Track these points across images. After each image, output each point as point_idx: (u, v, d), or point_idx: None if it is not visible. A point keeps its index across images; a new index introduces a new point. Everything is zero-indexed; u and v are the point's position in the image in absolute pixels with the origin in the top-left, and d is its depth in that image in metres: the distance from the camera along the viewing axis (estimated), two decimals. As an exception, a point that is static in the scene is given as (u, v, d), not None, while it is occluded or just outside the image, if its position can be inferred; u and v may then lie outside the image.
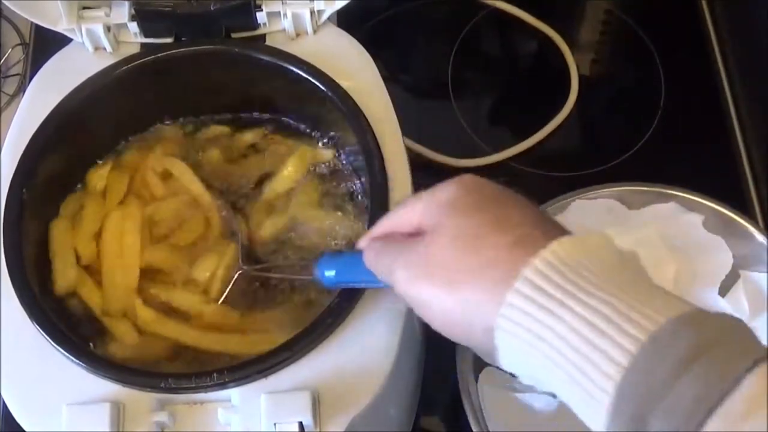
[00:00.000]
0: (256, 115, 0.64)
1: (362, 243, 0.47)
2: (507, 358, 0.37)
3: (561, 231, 0.38)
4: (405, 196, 0.54)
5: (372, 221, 0.53)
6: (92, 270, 0.57)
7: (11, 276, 0.52)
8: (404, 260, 0.41)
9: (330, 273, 0.48)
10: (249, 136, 0.63)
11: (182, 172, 0.60)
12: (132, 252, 0.56)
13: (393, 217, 0.45)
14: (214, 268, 0.57)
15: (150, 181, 0.60)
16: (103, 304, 0.55)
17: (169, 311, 0.56)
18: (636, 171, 0.79)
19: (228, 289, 0.56)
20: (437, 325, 0.40)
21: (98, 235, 0.58)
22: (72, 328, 0.54)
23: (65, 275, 0.55)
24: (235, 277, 0.56)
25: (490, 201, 0.41)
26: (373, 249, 0.45)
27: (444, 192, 0.42)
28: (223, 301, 0.56)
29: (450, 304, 0.38)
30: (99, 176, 0.60)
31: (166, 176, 0.61)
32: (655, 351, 0.32)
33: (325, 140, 0.62)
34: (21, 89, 0.84)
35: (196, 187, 0.60)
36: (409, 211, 0.43)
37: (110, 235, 0.57)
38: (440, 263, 0.39)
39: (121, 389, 0.48)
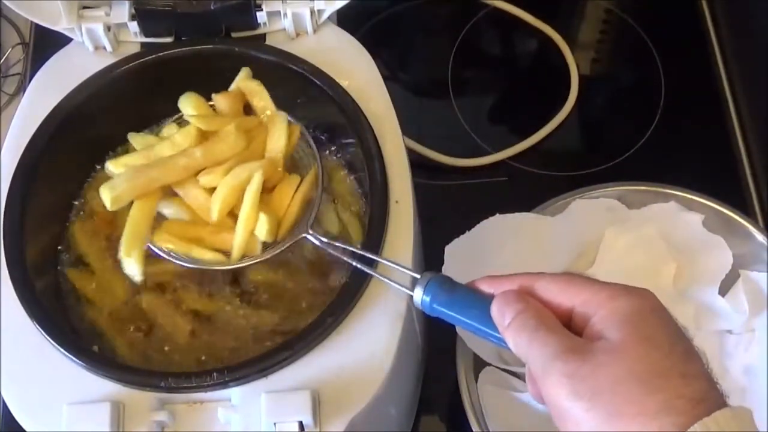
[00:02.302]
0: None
1: (486, 284, 0.44)
2: None
3: (715, 385, 0.37)
4: (405, 196, 0.54)
5: (372, 221, 0.53)
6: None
7: (11, 276, 0.52)
8: (568, 368, 0.37)
9: (439, 305, 0.44)
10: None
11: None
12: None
13: (541, 281, 0.42)
14: (279, 217, 0.53)
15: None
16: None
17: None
18: (636, 171, 0.79)
19: (284, 247, 0.52)
20: None
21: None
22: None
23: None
24: (297, 238, 0.52)
25: (670, 331, 0.38)
26: (513, 311, 0.41)
27: (624, 302, 0.39)
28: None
29: (604, 428, 0.36)
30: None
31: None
32: None
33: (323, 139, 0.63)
34: (21, 89, 0.84)
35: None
36: (566, 292, 0.41)
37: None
38: (611, 390, 0.36)
39: (121, 389, 0.48)
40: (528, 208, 0.63)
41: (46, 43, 0.74)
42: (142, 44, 0.61)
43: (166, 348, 0.55)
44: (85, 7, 0.61)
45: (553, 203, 0.64)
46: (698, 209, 0.64)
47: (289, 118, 0.56)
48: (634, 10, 0.90)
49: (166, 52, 0.60)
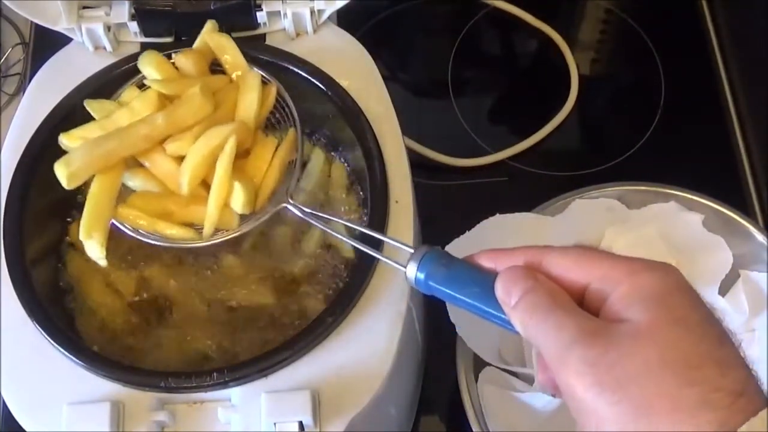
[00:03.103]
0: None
1: (487, 259, 0.40)
2: None
3: (752, 372, 0.33)
4: (405, 196, 0.54)
5: (372, 221, 0.53)
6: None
7: (11, 276, 0.51)
8: (590, 355, 0.33)
9: (434, 283, 0.40)
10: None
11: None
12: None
13: (550, 255, 0.38)
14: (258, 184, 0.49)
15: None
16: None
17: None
18: (636, 171, 0.79)
19: (262, 219, 0.48)
20: None
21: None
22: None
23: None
24: (277, 208, 0.48)
25: (701, 312, 0.34)
26: (520, 289, 0.37)
27: (647, 278, 0.35)
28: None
29: (631, 428, 0.32)
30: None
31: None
32: None
33: (323, 140, 0.63)
34: (21, 89, 0.84)
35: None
36: (579, 267, 0.37)
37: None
38: (640, 381, 0.32)
39: (121, 389, 0.48)
40: (528, 208, 0.63)
41: (46, 43, 0.74)
42: (142, 44, 0.61)
43: (188, 337, 0.55)
44: (85, 7, 0.61)
45: (553, 203, 0.64)
46: (698, 209, 0.64)
47: (264, 75, 0.52)
48: (634, 10, 0.90)
49: (166, 52, 0.60)
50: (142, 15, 0.60)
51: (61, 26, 0.60)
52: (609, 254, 0.37)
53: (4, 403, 0.51)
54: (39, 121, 0.57)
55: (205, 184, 0.48)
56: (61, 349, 0.49)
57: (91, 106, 0.51)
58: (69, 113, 0.57)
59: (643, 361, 0.32)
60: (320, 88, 0.57)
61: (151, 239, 0.48)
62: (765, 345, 0.60)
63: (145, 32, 0.61)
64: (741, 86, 0.84)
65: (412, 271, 0.41)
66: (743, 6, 0.85)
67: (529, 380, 0.59)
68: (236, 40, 0.61)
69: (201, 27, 0.60)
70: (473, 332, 0.57)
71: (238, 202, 0.47)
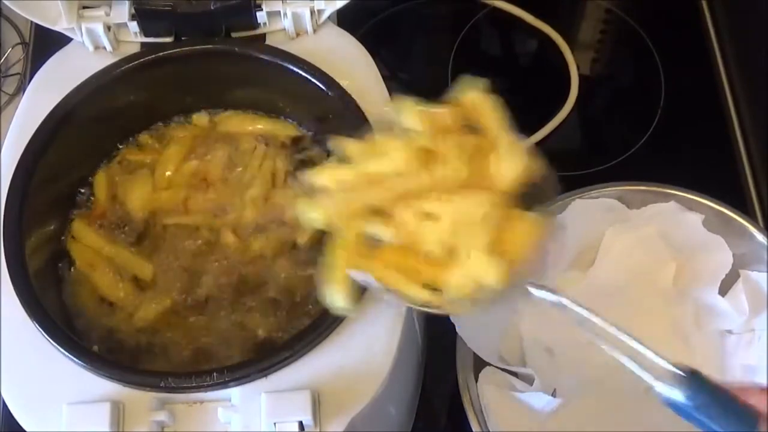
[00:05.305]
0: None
1: (757, 398, 0.39)
2: None
3: None
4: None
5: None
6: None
7: (11, 276, 0.51)
8: None
9: (696, 412, 0.40)
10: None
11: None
12: None
13: None
14: None
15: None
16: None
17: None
18: (636, 171, 0.79)
19: (510, 295, 0.46)
20: None
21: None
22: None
23: None
24: (520, 286, 0.46)
25: None
26: None
27: None
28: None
29: None
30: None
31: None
32: None
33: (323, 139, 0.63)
34: (21, 89, 0.84)
35: None
36: None
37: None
38: None
39: (121, 389, 0.48)
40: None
41: (46, 43, 0.74)
42: (142, 44, 0.61)
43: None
44: (85, 7, 0.61)
45: (553, 203, 0.64)
46: (698, 209, 0.64)
47: (524, 144, 0.49)
48: (635, 10, 0.90)
49: (166, 52, 0.60)
50: (142, 15, 0.60)
51: (61, 26, 0.60)
52: None
53: (4, 403, 0.51)
54: (39, 121, 0.57)
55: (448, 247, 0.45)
56: (61, 349, 0.49)
57: (348, 145, 0.48)
58: (69, 113, 0.57)
59: None
60: (320, 88, 0.57)
61: (389, 295, 0.46)
62: (765, 345, 0.60)
63: (145, 32, 0.61)
64: (741, 86, 0.84)
65: (677, 394, 0.41)
66: (743, 6, 0.85)
67: (529, 380, 0.59)
68: (236, 40, 0.61)
69: (201, 27, 0.60)
70: (473, 332, 0.57)
71: (492, 276, 0.44)
